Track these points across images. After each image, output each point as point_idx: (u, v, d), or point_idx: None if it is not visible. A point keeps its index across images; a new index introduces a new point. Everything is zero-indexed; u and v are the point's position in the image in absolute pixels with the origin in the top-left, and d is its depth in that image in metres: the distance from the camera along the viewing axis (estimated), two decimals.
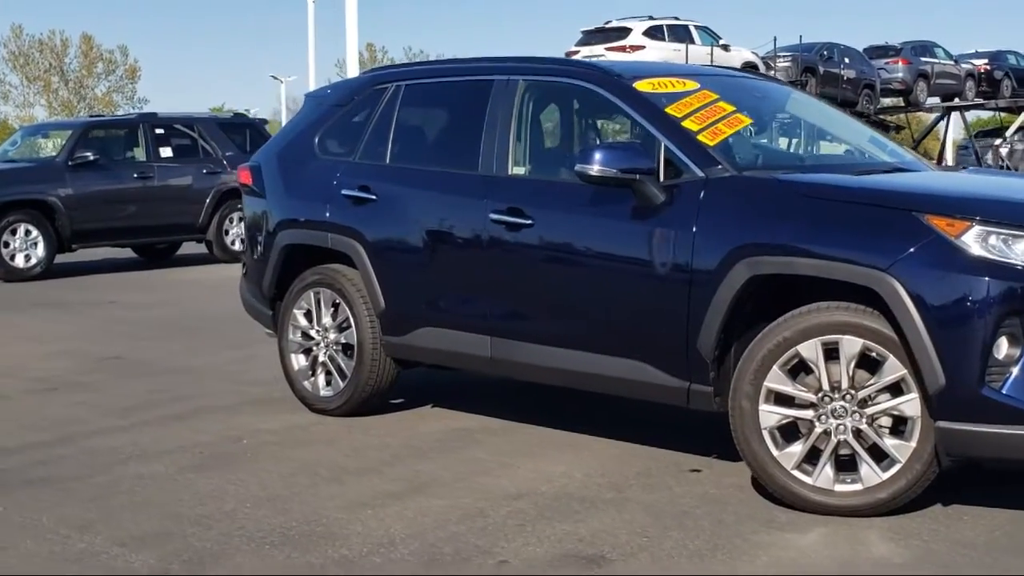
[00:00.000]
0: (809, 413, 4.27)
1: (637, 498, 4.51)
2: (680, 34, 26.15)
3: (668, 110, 4.89)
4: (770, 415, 4.32)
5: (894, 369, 4.13)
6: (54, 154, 14.41)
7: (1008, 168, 27.10)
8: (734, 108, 5.01)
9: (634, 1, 79.94)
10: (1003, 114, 36.09)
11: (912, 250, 4.05)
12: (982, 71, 33.37)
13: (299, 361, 6.08)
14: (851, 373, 4.20)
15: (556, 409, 5.95)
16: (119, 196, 14.21)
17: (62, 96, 60.22)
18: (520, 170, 5.38)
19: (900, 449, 4.16)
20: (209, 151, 15.17)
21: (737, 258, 4.39)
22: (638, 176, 4.66)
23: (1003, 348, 3.97)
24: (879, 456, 4.20)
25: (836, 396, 4.22)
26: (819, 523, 4.19)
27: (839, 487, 4.24)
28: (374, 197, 5.75)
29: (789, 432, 4.33)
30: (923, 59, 31.91)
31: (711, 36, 27.07)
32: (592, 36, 26.06)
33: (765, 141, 5.92)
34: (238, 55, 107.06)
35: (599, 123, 6.06)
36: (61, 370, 7.47)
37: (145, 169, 14.57)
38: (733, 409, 4.40)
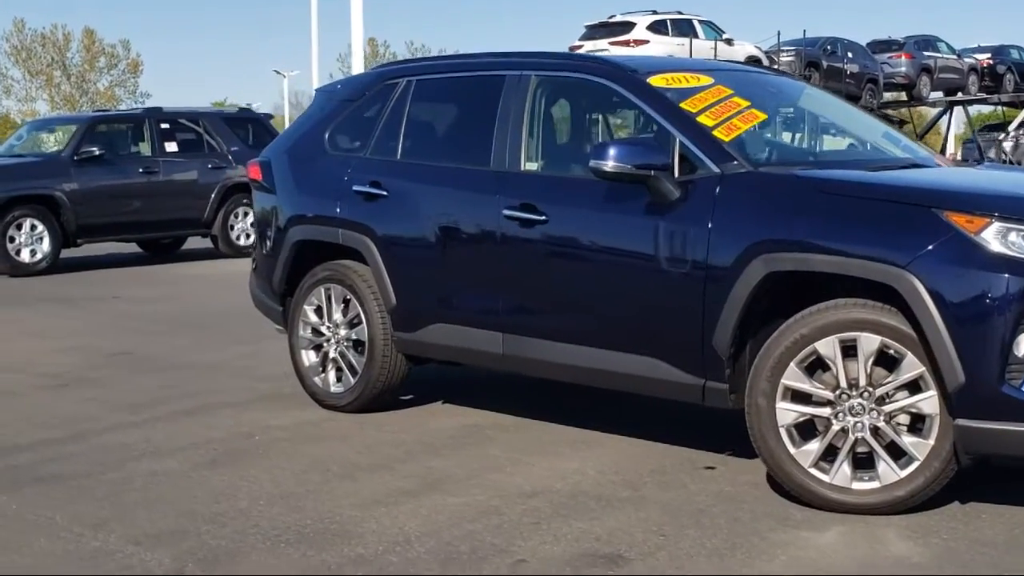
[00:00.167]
0: (826, 411, 4.25)
1: (652, 496, 4.49)
2: (684, 28, 26.11)
3: (683, 105, 4.86)
4: (787, 413, 4.29)
5: (912, 366, 4.11)
6: (59, 149, 14.37)
7: (1012, 162, 27.05)
8: (749, 103, 4.98)
9: None
10: (1005, 108, 36.04)
11: (931, 247, 4.02)
12: (985, 65, 33.36)
13: (309, 357, 6.06)
14: (869, 370, 4.17)
15: (566, 406, 5.93)
16: (124, 191, 14.19)
17: (64, 91, 60.18)
18: (533, 166, 5.35)
19: (918, 447, 4.13)
20: (214, 146, 15.15)
21: (754, 254, 4.36)
22: (653, 172, 4.63)
23: (1023, 345, 3.94)
24: (897, 454, 4.17)
25: (854, 393, 4.20)
26: (836, 521, 4.17)
27: (857, 485, 4.22)
28: (385, 193, 5.72)
29: (806, 430, 4.31)
30: (926, 54, 31.87)
31: (715, 30, 27.03)
32: (596, 30, 26.01)
33: (769, 135, 5.88)
34: (240, 49, 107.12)
35: (612, 119, 6.03)
36: (70, 366, 7.45)
37: (150, 164, 14.54)
38: (750, 406, 4.37)
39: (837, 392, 4.22)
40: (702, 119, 4.78)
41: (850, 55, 29.67)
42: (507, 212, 5.17)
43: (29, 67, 59.76)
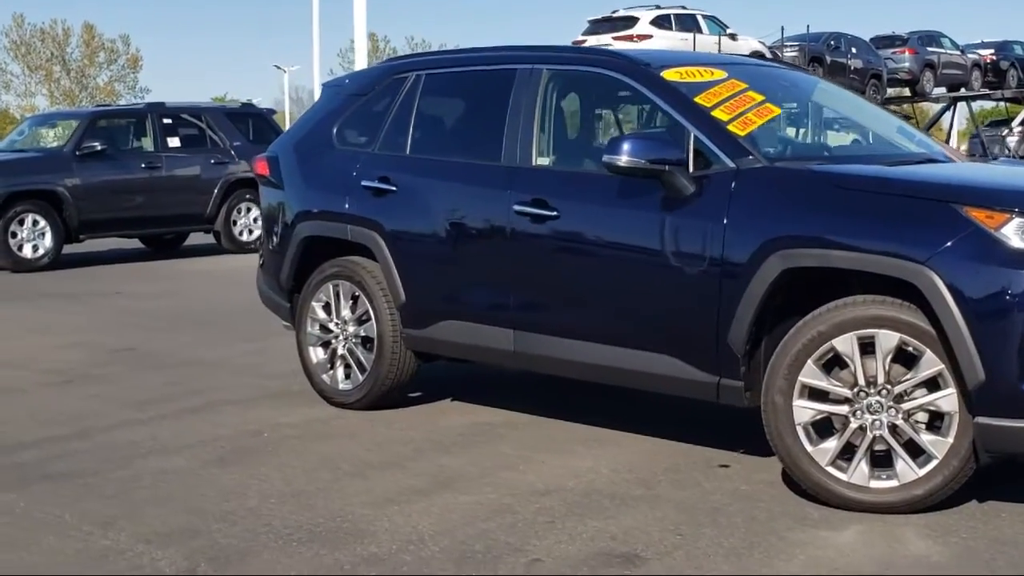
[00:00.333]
0: (844, 408, 4.20)
1: (667, 494, 4.44)
2: (687, 23, 26.03)
3: (697, 100, 4.80)
4: (804, 410, 4.24)
5: (931, 364, 4.06)
6: (62, 144, 14.31)
7: (1020, 158, 26.97)
8: (763, 97, 4.93)
9: None
10: (1008, 104, 35.97)
11: (951, 243, 3.97)
12: (988, 61, 33.30)
13: (317, 354, 6.01)
14: (887, 368, 4.12)
15: (576, 403, 5.89)
16: (127, 186, 14.15)
17: (64, 86, 60.15)
18: (544, 161, 5.30)
19: (937, 445, 4.09)
20: (217, 141, 15.09)
21: (770, 251, 4.30)
22: (667, 167, 4.58)
23: None
24: (915, 452, 4.12)
25: (872, 391, 4.15)
26: (853, 520, 4.12)
27: (874, 483, 4.17)
28: (394, 188, 5.67)
29: (823, 428, 4.26)
30: (930, 49, 31.82)
31: (718, 25, 26.96)
32: (599, 25, 25.94)
33: (783, 130, 5.83)
34: (240, 44, 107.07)
35: (625, 113, 5.98)
36: (74, 362, 7.40)
37: (153, 159, 14.50)
38: (766, 404, 4.32)
39: (855, 390, 4.17)
40: (717, 113, 4.73)
41: (854, 51, 29.62)
42: (518, 207, 5.11)
43: (28, 62, 59.73)
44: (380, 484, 4.63)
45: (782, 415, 4.27)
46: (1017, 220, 3.94)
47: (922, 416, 4.14)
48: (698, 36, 25.65)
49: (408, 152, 5.79)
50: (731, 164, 4.55)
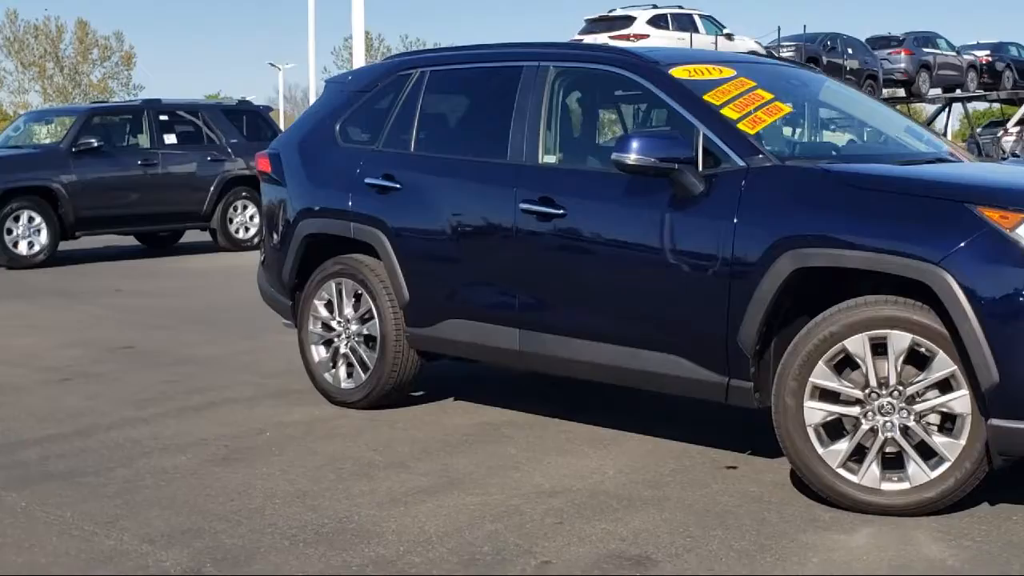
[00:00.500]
0: (855, 410, 4.16)
1: (675, 496, 4.40)
2: (684, 23, 26.02)
3: (706, 98, 4.76)
4: (815, 412, 4.20)
5: (944, 365, 4.02)
6: (57, 140, 14.24)
7: (1016, 157, 27.00)
8: (773, 96, 4.89)
9: None
10: (1003, 105, 36.00)
11: (964, 243, 3.93)
12: (984, 62, 33.31)
13: (320, 353, 5.96)
14: (899, 369, 4.08)
15: (580, 403, 5.84)
16: (123, 183, 14.08)
17: (57, 82, 59.94)
18: (551, 159, 5.25)
19: (949, 447, 4.05)
20: (213, 138, 15.03)
21: (781, 250, 4.26)
22: (676, 165, 4.53)
23: None
24: (927, 454, 4.08)
25: (883, 392, 4.11)
26: (865, 522, 4.08)
27: (886, 486, 4.13)
28: (398, 186, 5.62)
29: (834, 429, 4.22)
30: (925, 50, 31.81)
31: (715, 25, 26.95)
32: (596, 24, 25.92)
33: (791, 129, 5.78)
34: (235, 42, 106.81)
35: (633, 111, 5.93)
36: (73, 360, 7.34)
37: (149, 156, 14.43)
38: (777, 405, 4.28)
39: (866, 391, 4.13)
40: (726, 112, 4.69)
41: (850, 51, 29.62)
42: (524, 206, 5.07)
43: (22, 59, 59.51)
44: (385, 484, 4.58)
45: (793, 416, 4.23)
46: None
47: (934, 418, 4.10)
48: (695, 36, 25.63)
49: (412, 149, 5.74)
50: (741, 163, 4.51)
